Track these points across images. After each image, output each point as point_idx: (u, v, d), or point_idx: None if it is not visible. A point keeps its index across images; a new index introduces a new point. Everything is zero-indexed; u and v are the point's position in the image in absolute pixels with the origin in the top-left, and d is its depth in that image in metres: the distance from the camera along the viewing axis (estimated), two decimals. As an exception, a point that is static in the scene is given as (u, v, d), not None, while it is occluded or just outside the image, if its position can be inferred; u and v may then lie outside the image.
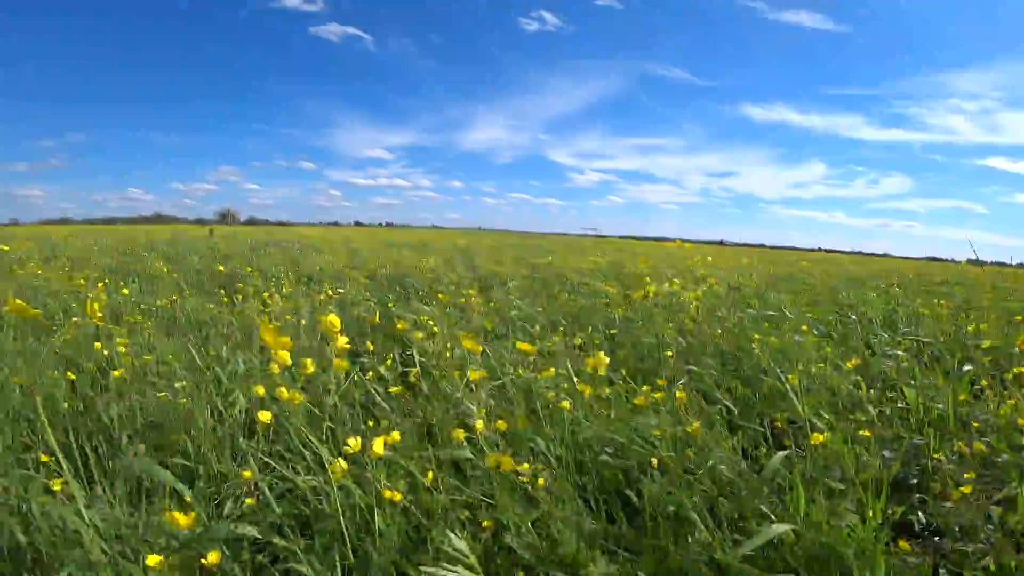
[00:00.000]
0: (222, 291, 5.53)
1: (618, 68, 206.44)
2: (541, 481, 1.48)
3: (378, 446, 1.37)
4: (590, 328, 3.99)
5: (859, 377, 2.57)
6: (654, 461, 1.66)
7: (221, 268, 7.28)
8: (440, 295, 5.25)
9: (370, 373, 2.43)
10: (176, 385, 2.36)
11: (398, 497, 1.38)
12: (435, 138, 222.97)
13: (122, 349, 2.62)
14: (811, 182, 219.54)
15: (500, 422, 1.76)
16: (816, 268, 12.10)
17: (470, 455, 1.65)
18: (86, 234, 18.39)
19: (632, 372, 2.67)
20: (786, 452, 1.53)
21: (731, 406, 2.41)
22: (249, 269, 7.51)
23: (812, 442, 1.50)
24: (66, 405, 2.27)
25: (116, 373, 2.36)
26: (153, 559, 1.17)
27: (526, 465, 1.43)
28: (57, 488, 1.83)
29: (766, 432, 2.14)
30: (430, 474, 1.55)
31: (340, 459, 1.29)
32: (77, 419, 2.22)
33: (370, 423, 2.11)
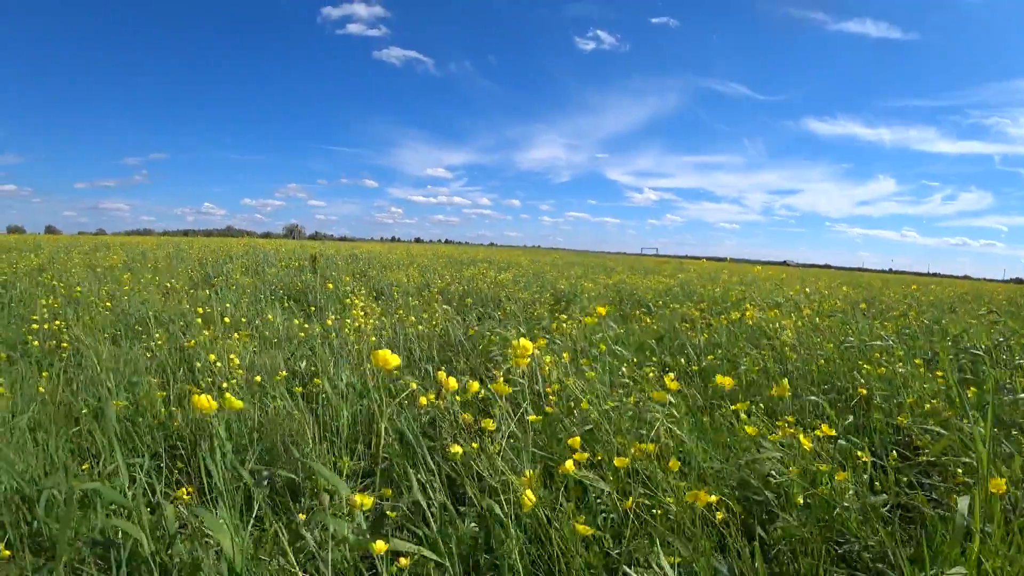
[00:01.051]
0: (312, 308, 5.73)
1: (675, 85, 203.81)
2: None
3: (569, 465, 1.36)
4: (683, 354, 3.88)
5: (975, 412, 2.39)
6: (799, 499, 1.59)
7: (331, 285, 7.52)
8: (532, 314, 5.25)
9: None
10: (280, 402, 2.43)
11: (589, 531, 1.36)
12: (494, 157, 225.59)
13: (236, 362, 2.72)
14: (880, 199, 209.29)
15: (619, 459, 1.72)
16: (894, 290, 11.48)
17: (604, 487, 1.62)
18: (187, 244, 19.42)
19: (736, 401, 2.58)
20: (966, 497, 1.41)
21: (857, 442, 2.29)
22: (348, 280, 7.71)
23: (992, 488, 1.38)
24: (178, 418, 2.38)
25: (232, 403, 2.43)
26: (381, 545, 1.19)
27: (713, 497, 1.39)
28: (184, 497, 1.93)
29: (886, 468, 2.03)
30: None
31: (528, 492, 1.29)
32: (193, 431, 2.32)
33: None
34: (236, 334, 3.36)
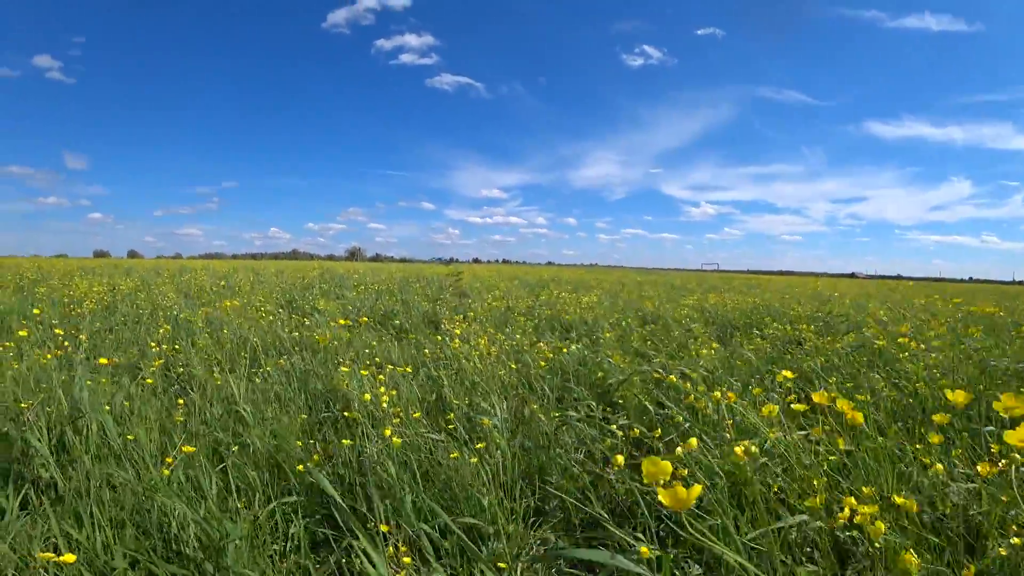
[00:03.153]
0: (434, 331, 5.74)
1: (727, 95, 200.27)
2: None
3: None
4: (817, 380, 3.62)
5: None
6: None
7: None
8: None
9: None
10: (435, 436, 2.36)
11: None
12: (548, 176, 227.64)
13: (384, 401, 2.65)
14: (954, 203, 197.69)
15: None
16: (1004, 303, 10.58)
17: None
18: (263, 267, 20.15)
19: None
20: None
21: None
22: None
23: None
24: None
25: (388, 432, 2.34)
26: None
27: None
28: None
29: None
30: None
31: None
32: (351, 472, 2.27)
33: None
34: (365, 369, 3.30)
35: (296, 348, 4.49)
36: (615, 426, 2.30)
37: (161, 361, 4.00)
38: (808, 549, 1.72)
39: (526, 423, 2.71)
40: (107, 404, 2.62)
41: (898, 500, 1.54)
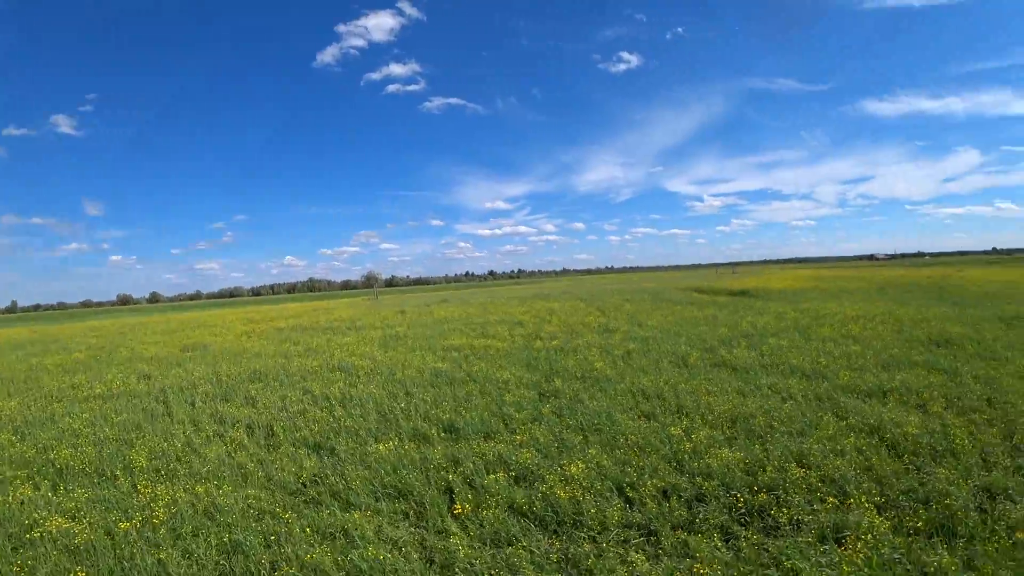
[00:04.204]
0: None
1: (717, 90, 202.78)
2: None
3: None
4: None
5: None
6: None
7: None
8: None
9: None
10: None
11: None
12: (551, 184, 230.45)
13: None
14: (965, 173, 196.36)
15: None
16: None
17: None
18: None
19: None
20: None
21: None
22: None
23: None
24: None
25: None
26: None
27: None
28: None
29: None
30: None
31: None
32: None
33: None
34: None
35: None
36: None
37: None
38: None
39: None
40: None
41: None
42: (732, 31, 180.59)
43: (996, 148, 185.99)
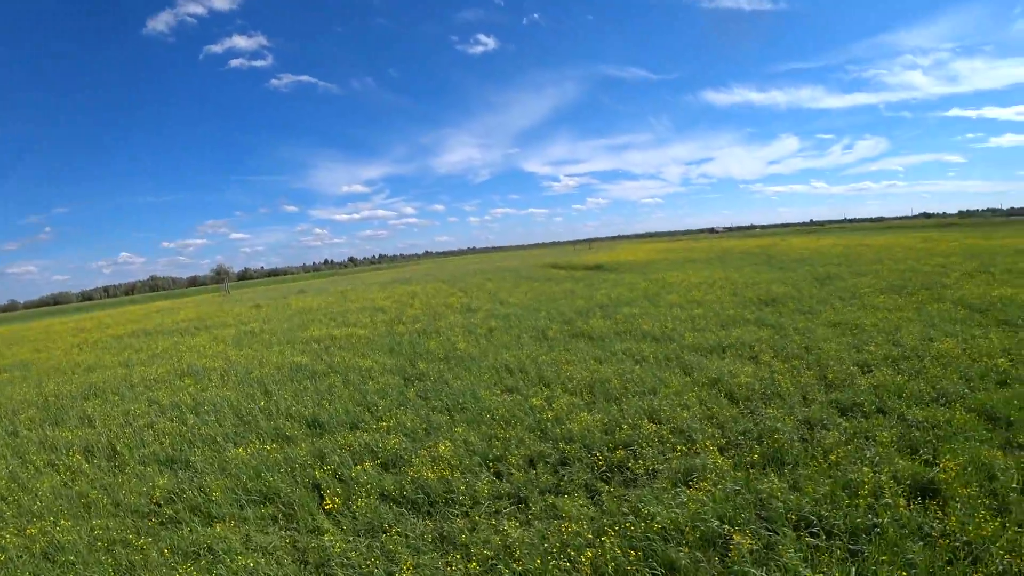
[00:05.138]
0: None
1: (572, 75, 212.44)
2: None
3: None
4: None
5: None
6: None
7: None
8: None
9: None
10: None
11: None
12: (410, 166, 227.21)
13: None
14: (787, 156, 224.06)
15: None
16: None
17: None
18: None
19: None
20: None
21: None
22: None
23: None
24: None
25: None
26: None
27: None
28: None
29: None
30: None
31: None
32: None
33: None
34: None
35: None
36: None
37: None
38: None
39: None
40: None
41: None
42: (585, 20, 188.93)
43: (812, 135, 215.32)
